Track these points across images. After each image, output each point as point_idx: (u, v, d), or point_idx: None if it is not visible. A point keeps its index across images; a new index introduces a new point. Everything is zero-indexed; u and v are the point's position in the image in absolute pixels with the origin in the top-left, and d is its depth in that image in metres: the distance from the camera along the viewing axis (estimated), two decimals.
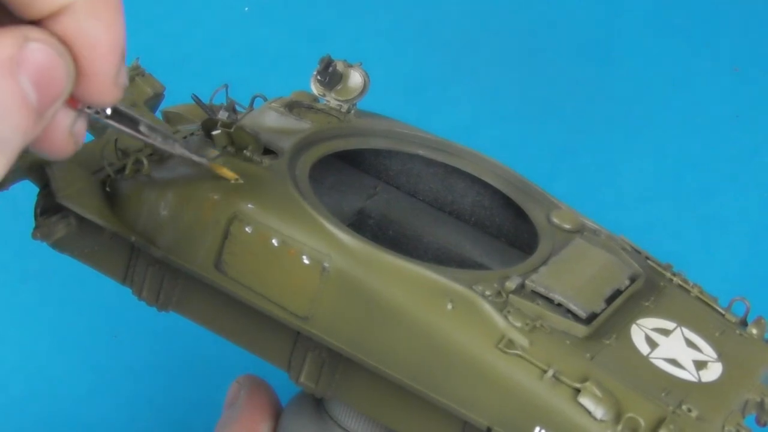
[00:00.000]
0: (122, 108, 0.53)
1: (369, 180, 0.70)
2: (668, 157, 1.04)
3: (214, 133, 0.60)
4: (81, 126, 0.50)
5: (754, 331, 0.60)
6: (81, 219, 0.62)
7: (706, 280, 0.64)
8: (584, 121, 1.04)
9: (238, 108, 0.67)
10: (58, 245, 0.63)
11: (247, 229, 0.58)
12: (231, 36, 1.01)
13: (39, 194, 0.64)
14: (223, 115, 0.61)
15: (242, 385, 0.67)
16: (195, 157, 0.58)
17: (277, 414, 0.66)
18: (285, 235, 0.57)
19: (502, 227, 0.67)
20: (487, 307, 0.55)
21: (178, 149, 0.58)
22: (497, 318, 0.55)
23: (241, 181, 0.59)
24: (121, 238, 0.62)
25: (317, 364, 0.59)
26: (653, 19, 1.08)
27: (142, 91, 0.70)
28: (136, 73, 0.71)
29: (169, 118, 0.71)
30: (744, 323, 0.61)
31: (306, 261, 0.57)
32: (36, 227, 0.62)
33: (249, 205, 0.58)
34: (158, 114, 0.71)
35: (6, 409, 0.90)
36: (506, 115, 1.03)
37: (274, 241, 0.57)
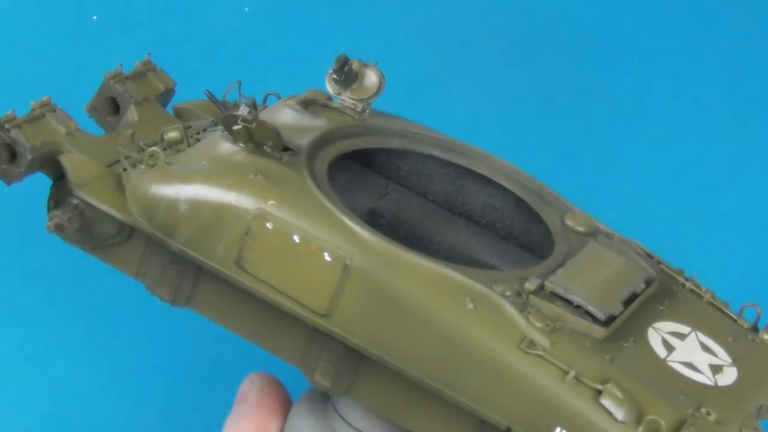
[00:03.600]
0: None
1: (380, 180, 0.70)
2: (668, 156, 1.04)
3: (235, 128, 0.60)
4: None
5: (766, 337, 0.61)
6: (94, 212, 0.62)
7: (708, 280, 0.64)
8: (584, 121, 1.04)
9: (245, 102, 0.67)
10: (70, 238, 0.63)
11: (268, 225, 0.58)
12: (231, 36, 1.01)
13: (52, 187, 0.64)
14: (244, 111, 0.61)
15: (254, 381, 0.67)
16: None
17: (287, 412, 0.66)
18: (306, 232, 0.57)
19: (512, 229, 0.67)
20: (509, 308, 0.55)
21: None
22: (518, 318, 0.55)
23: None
24: (134, 233, 0.62)
25: (332, 362, 0.59)
26: (653, 19, 1.08)
27: (154, 86, 0.70)
28: (147, 69, 0.71)
29: (180, 113, 0.71)
30: (755, 329, 0.61)
31: (327, 258, 0.57)
32: (49, 220, 0.62)
33: (270, 202, 0.58)
34: (169, 109, 0.71)
35: (6, 409, 0.89)
36: (506, 115, 1.03)
37: (296, 238, 0.57)
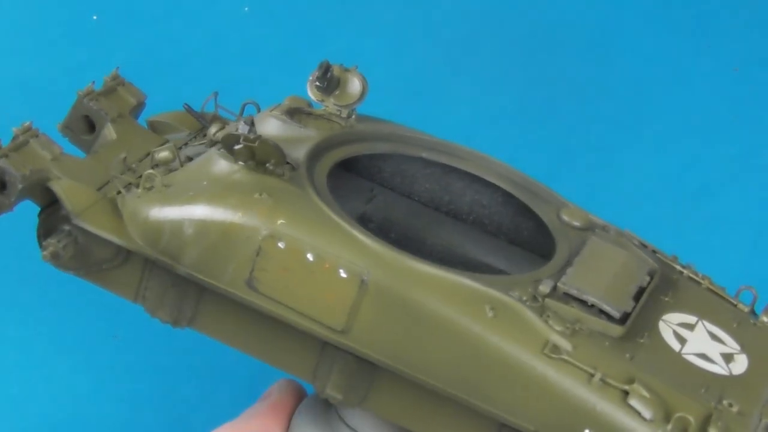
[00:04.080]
0: None
1: (364, 183, 0.70)
2: (668, 156, 1.04)
3: (236, 147, 0.60)
4: None
5: (766, 320, 0.61)
6: (88, 237, 0.61)
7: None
8: (584, 121, 1.04)
9: (223, 113, 0.66)
10: (65, 265, 0.62)
11: (279, 244, 0.57)
12: (231, 36, 1.01)
13: (40, 215, 0.63)
14: (243, 130, 0.60)
15: (280, 386, 0.67)
16: None
17: None
18: (320, 249, 0.57)
19: (501, 225, 0.67)
20: (529, 314, 0.55)
21: None
22: (539, 323, 0.55)
23: None
24: (131, 256, 0.61)
25: (345, 374, 0.59)
26: (653, 19, 1.08)
27: (126, 101, 0.68)
28: (116, 83, 0.69)
29: (155, 127, 0.70)
30: (753, 312, 0.61)
31: (343, 274, 0.57)
32: (44, 249, 0.61)
33: (280, 221, 0.58)
34: (142, 122, 0.70)
35: (6, 409, 0.89)
36: (506, 115, 1.03)
37: (309, 256, 0.57)
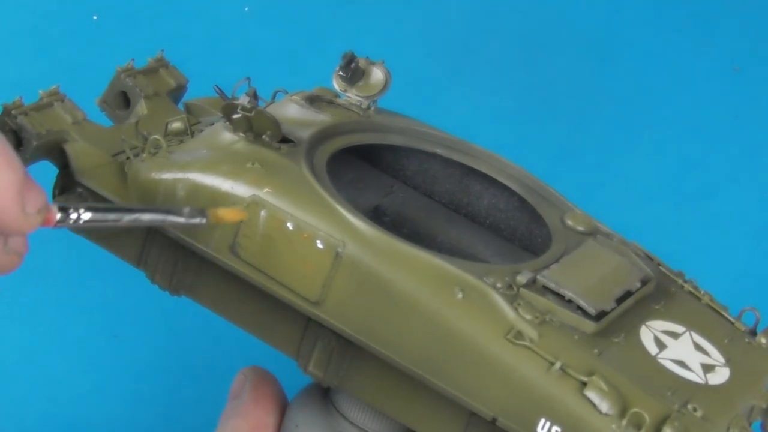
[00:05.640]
0: (93, 205, 0.53)
1: (386, 179, 0.70)
2: (668, 157, 1.04)
3: (234, 117, 0.61)
4: (16, 242, 0.50)
5: (763, 341, 0.60)
6: (97, 200, 0.62)
7: (707, 280, 0.64)
8: (584, 121, 1.04)
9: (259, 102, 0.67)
10: (72, 225, 0.63)
11: (262, 212, 0.58)
12: (231, 36, 1.02)
13: (58, 174, 0.65)
14: (243, 101, 0.61)
15: (247, 376, 0.66)
16: (178, 219, 0.56)
17: (283, 406, 0.66)
18: (299, 220, 0.57)
19: (516, 231, 0.67)
20: (498, 299, 0.55)
21: (159, 217, 0.56)
22: (507, 309, 0.55)
23: (246, 218, 0.59)
24: None
25: (326, 352, 0.59)
26: (653, 18, 1.08)
27: (165, 82, 0.70)
28: (159, 65, 0.71)
29: (191, 110, 0.71)
30: (753, 333, 0.61)
31: (320, 246, 0.57)
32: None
33: (265, 189, 0.58)
34: (180, 105, 0.72)
35: (6, 409, 0.90)
36: (506, 115, 1.03)
37: (289, 225, 0.58)
